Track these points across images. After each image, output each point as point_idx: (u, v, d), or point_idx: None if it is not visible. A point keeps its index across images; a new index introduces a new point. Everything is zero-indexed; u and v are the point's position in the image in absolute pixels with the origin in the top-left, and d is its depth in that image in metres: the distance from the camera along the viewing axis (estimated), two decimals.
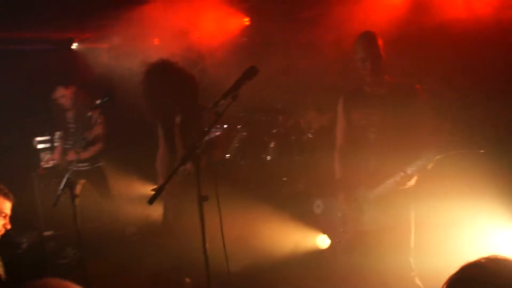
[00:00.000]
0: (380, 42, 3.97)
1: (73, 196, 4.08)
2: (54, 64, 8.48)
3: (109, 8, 7.67)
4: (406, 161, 3.75)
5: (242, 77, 3.09)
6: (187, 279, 5.48)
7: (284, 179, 6.78)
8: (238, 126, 7.15)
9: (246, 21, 8.21)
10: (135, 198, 8.01)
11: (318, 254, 5.51)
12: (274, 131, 6.99)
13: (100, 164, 6.77)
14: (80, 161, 6.08)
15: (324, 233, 4.61)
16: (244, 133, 6.92)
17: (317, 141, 6.49)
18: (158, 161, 5.07)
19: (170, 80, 4.58)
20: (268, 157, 6.73)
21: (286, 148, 6.67)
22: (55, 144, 6.89)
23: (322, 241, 5.55)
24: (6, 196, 3.47)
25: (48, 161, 6.58)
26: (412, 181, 3.87)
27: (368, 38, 4.01)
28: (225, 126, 4.35)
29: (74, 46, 9.70)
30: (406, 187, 3.86)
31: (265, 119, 7.26)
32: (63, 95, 6.43)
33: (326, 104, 6.77)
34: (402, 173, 3.76)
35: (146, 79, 4.66)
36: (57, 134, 6.83)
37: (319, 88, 7.31)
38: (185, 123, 4.67)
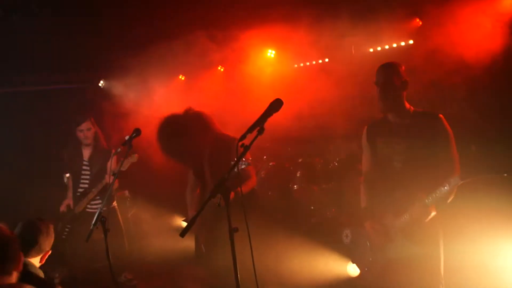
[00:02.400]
0: (399, 71, 3.99)
1: (105, 231, 4.15)
2: (83, 101, 8.76)
3: (135, 45, 7.91)
4: (430, 188, 3.74)
5: (268, 110, 3.14)
6: None
7: (312, 208, 6.79)
8: (264, 157, 7.21)
9: (272, 53, 8.35)
10: (163, 231, 8.13)
11: (348, 282, 5.49)
12: (300, 160, 7.02)
13: (114, 204, 6.44)
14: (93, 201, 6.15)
15: (353, 262, 4.59)
16: (271, 163, 6.97)
17: (343, 169, 6.51)
18: (188, 194, 5.11)
19: (184, 132, 4.61)
20: (295, 186, 6.75)
21: (313, 177, 6.69)
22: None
23: (352, 269, 5.54)
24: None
25: (64, 205, 6.27)
26: (434, 212, 3.84)
27: (385, 67, 4.06)
28: (250, 159, 4.36)
29: (101, 83, 9.98)
30: (431, 215, 3.83)
31: (290, 149, 7.32)
32: (90, 128, 6.24)
33: (352, 133, 6.82)
34: (426, 200, 3.75)
35: (162, 138, 4.72)
36: (67, 176, 6.47)
37: (345, 117, 7.37)
38: (214, 155, 4.70)
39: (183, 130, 4.62)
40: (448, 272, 4.00)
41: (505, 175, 3.27)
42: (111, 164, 6.12)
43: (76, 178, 6.32)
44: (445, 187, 3.60)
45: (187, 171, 5.08)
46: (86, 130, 6.20)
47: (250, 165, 4.41)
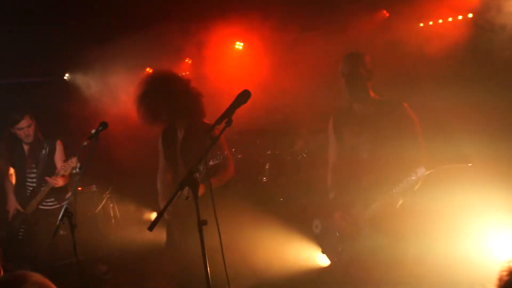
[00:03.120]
0: (364, 61, 4.02)
1: (72, 227, 4.08)
2: (48, 95, 8.60)
3: (101, 37, 7.79)
4: (397, 178, 3.75)
5: (235, 102, 3.12)
6: None
7: (281, 199, 6.80)
8: (233, 149, 7.19)
9: (240, 45, 8.33)
10: (132, 224, 8.08)
11: (318, 273, 5.55)
12: (269, 152, 7.03)
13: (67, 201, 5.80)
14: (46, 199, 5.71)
15: (323, 252, 4.62)
16: (239, 156, 6.96)
17: (312, 161, 6.53)
18: (159, 181, 4.91)
19: (174, 88, 4.38)
20: (264, 179, 6.76)
21: (282, 169, 6.70)
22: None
23: (322, 260, 5.59)
24: None
25: (11, 212, 5.76)
26: (401, 200, 3.87)
27: (351, 57, 4.07)
28: (225, 153, 4.16)
29: (67, 76, 9.81)
30: (399, 204, 3.88)
31: (259, 141, 7.31)
32: (30, 124, 5.66)
33: (320, 124, 6.86)
34: (393, 190, 3.78)
35: (148, 84, 4.49)
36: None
37: (313, 108, 7.40)
38: (187, 140, 4.53)
39: (176, 88, 4.39)
40: (415, 262, 4.07)
41: (470, 164, 3.32)
42: (60, 156, 5.74)
43: (21, 179, 5.83)
44: (412, 177, 3.63)
45: (159, 154, 4.85)
46: (26, 128, 5.64)
47: (226, 159, 4.16)
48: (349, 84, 3.99)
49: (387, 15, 6.78)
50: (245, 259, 6.25)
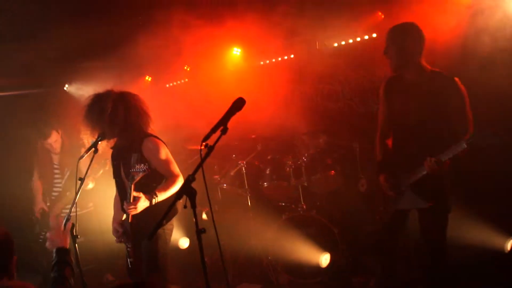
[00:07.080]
0: (413, 34, 4.14)
1: (74, 237, 4.09)
2: (48, 107, 8.61)
3: (100, 48, 7.81)
4: (442, 147, 3.88)
5: (230, 110, 3.15)
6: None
7: (283, 204, 6.81)
8: (233, 155, 7.20)
9: (237, 51, 8.34)
10: None
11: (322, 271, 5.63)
12: (269, 157, 7.03)
13: (90, 208, 6.57)
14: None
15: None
16: (239, 162, 6.94)
17: (312, 164, 6.52)
18: (115, 197, 4.89)
19: (99, 108, 4.44)
20: (265, 184, 6.75)
21: (282, 173, 6.69)
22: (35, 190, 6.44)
23: (325, 260, 5.68)
24: None
25: (38, 211, 6.24)
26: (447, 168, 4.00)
27: (399, 28, 4.23)
28: (146, 167, 4.17)
29: (66, 87, 9.82)
30: (441, 172, 3.98)
31: (260, 147, 7.31)
32: (57, 139, 6.31)
33: (319, 128, 6.89)
34: (442, 158, 3.87)
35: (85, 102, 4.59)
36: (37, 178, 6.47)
37: (311, 112, 7.43)
38: (123, 155, 4.54)
39: (101, 109, 4.44)
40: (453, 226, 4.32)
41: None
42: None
43: (48, 182, 6.35)
44: (459, 147, 3.74)
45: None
46: (53, 143, 6.28)
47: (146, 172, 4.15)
48: (391, 53, 4.19)
49: (382, 16, 6.78)
50: (247, 263, 6.27)
